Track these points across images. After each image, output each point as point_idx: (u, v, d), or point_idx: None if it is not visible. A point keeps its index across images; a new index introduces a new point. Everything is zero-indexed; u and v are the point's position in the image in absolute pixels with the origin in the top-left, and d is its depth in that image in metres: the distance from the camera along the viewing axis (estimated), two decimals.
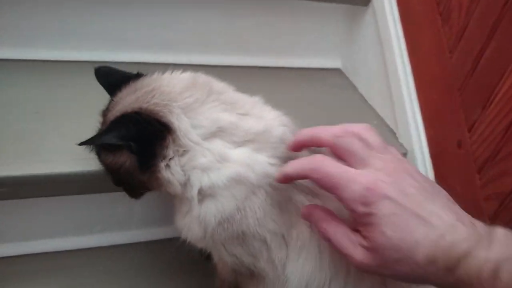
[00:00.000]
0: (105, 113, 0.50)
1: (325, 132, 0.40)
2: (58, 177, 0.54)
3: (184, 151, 0.44)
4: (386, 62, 0.82)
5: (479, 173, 0.62)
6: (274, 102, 0.51)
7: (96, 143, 0.46)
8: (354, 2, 0.89)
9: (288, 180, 0.41)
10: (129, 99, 0.47)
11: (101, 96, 0.52)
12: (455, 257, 0.32)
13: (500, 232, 0.33)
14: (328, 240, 0.39)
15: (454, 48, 0.66)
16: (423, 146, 0.74)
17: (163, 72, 0.49)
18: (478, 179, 0.62)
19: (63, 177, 0.54)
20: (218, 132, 0.45)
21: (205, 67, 0.54)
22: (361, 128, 0.40)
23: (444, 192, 0.38)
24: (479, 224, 0.35)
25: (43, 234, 0.67)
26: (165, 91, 0.46)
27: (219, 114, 0.45)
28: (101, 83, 0.51)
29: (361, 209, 0.35)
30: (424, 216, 0.34)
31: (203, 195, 0.44)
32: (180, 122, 0.44)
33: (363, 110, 0.88)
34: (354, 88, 0.95)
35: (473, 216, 0.36)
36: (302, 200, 0.44)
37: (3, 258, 0.65)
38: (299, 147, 0.43)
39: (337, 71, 1.01)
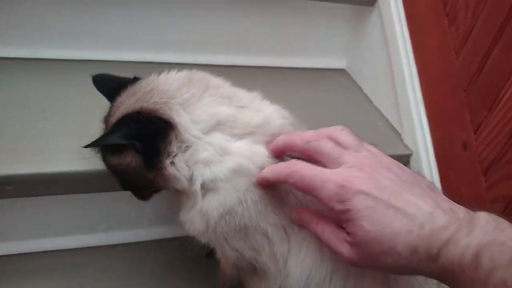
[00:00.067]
0: (106, 119, 0.51)
1: (298, 138, 0.42)
2: (64, 175, 0.54)
3: (187, 146, 0.45)
4: (391, 62, 0.82)
5: (484, 175, 0.61)
6: (278, 102, 0.51)
7: (101, 144, 0.47)
8: (359, 2, 0.89)
9: (268, 184, 0.43)
10: (129, 101, 0.48)
11: None
12: (435, 245, 0.32)
13: (482, 217, 0.33)
14: (319, 239, 0.40)
15: (461, 49, 0.66)
16: (428, 148, 0.73)
17: (160, 73, 0.50)
18: (484, 181, 0.61)
19: (69, 176, 0.54)
20: (217, 126, 0.46)
21: (210, 67, 0.54)
22: (333, 130, 0.42)
23: (426, 181, 0.39)
24: (460, 210, 0.35)
25: (47, 233, 0.68)
26: (163, 89, 0.47)
27: (217, 108, 0.46)
28: (100, 91, 0.52)
29: (338, 206, 0.36)
30: (401, 207, 0.35)
31: (205, 189, 0.45)
32: (180, 118, 0.45)
33: (367, 111, 0.87)
34: (359, 88, 0.95)
35: None
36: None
37: (8, 256, 0.66)
38: (279, 153, 0.45)
39: (342, 71, 1.01)
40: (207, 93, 0.47)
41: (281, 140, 0.44)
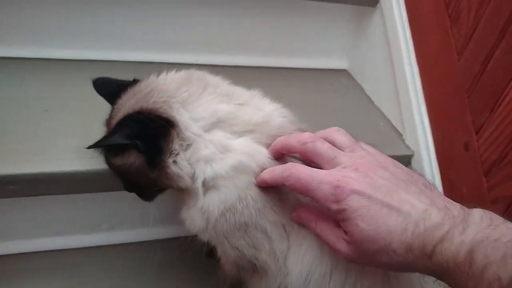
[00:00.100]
0: (108, 121, 0.51)
1: (294, 140, 0.43)
2: (66, 175, 0.54)
3: (188, 144, 0.46)
4: (393, 63, 0.82)
5: (486, 176, 0.61)
6: (279, 102, 0.51)
7: (104, 145, 0.47)
8: (362, 2, 0.89)
9: (267, 186, 0.44)
10: (130, 103, 0.48)
11: None
12: (430, 243, 0.33)
13: (476, 214, 0.34)
14: (318, 237, 0.41)
15: (463, 50, 0.66)
16: (429, 148, 0.73)
17: (159, 74, 0.51)
18: (485, 182, 0.61)
19: (71, 176, 0.55)
20: (218, 123, 0.46)
21: (212, 67, 0.54)
22: (329, 131, 0.43)
23: (422, 179, 0.39)
24: (455, 207, 0.35)
25: (49, 232, 0.68)
26: (162, 89, 0.48)
27: (217, 106, 0.47)
28: (100, 94, 0.53)
29: (334, 206, 0.37)
30: (396, 206, 0.35)
31: (207, 186, 0.45)
32: (181, 116, 0.46)
33: (369, 112, 0.87)
34: (360, 89, 0.95)
35: None
36: None
37: (10, 255, 0.66)
38: (278, 155, 0.45)
39: (344, 72, 1.01)
40: (207, 92, 0.48)
41: (279, 142, 0.44)
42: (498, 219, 0.33)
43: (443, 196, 0.37)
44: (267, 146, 0.46)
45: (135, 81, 0.52)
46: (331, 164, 0.40)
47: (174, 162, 0.45)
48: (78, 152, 0.55)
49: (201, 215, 0.46)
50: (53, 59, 0.79)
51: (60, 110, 0.66)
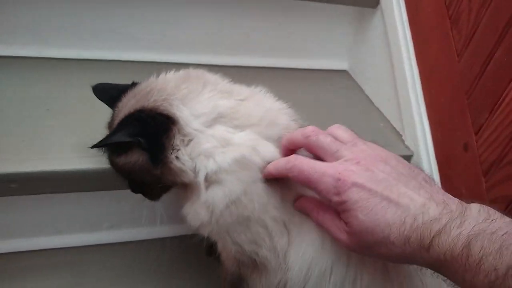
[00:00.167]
0: (110, 124, 0.51)
1: (298, 134, 0.44)
2: (68, 174, 0.55)
3: (189, 140, 0.46)
4: (393, 64, 0.82)
5: (485, 176, 0.62)
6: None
7: (107, 143, 0.47)
8: (362, 4, 0.89)
9: (272, 178, 0.45)
10: (130, 103, 0.49)
11: None
12: (428, 236, 0.34)
13: (474, 208, 0.34)
14: (320, 226, 0.43)
15: (463, 52, 0.66)
16: (429, 149, 0.74)
17: (158, 75, 0.52)
18: (484, 182, 0.62)
19: (72, 174, 0.55)
20: (219, 118, 0.47)
21: (213, 67, 0.55)
22: (331, 127, 0.45)
23: (422, 174, 0.40)
24: (454, 202, 0.36)
25: (50, 230, 0.68)
26: (161, 88, 0.48)
27: (217, 101, 0.48)
28: (101, 99, 0.53)
29: (335, 198, 0.38)
30: (395, 199, 0.36)
31: (209, 181, 0.46)
32: (181, 112, 0.46)
33: (369, 112, 0.88)
34: (360, 90, 0.95)
35: None
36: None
37: (11, 253, 0.66)
38: (286, 152, 0.46)
39: (344, 72, 1.02)
40: (206, 89, 0.49)
41: (285, 138, 0.46)
42: (495, 213, 0.34)
43: (442, 191, 0.38)
44: (271, 139, 0.46)
45: (134, 84, 0.52)
46: (333, 157, 0.41)
47: (177, 157, 0.46)
48: (79, 151, 0.56)
49: (205, 208, 0.46)
50: (54, 58, 0.79)
51: (61, 109, 0.66)
